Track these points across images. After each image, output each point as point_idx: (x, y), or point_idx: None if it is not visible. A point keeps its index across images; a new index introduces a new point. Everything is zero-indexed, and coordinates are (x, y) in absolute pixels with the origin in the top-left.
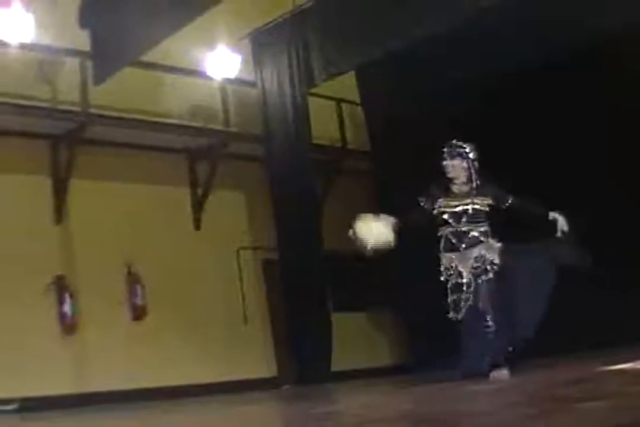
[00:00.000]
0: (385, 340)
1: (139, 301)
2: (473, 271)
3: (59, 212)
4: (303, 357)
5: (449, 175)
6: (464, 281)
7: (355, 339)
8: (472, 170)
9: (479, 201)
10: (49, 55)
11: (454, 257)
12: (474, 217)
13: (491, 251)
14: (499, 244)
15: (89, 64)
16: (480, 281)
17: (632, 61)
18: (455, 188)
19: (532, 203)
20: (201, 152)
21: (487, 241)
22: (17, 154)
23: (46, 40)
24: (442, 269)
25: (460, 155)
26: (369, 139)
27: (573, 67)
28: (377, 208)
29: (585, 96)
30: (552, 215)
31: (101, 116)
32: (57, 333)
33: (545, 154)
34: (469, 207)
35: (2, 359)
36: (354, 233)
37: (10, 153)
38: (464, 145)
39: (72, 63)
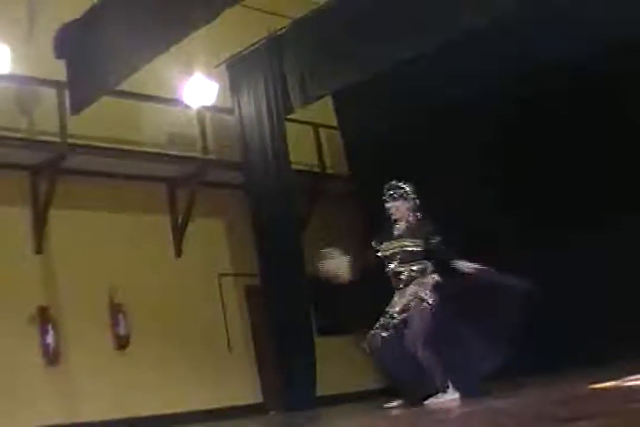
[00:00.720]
0: (371, 363)
1: (122, 330)
2: (405, 307)
3: (40, 242)
4: (288, 383)
5: (394, 217)
6: (394, 318)
7: (340, 362)
8: (412, 211)
9: (409, 243)
10: (26, 85)
11: (395, 297)
12: (408, 258)
13: (423, 287)
14: (434, 280)
15: (66, 93)
16: (409, 316)
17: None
18: (396, 229)
19: (449, 251)
20: (180, 180)
21: (421, 278)
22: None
23: (22, 71)
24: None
25: (402, 196)
26: (347, 163)
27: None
28: (358, 232)
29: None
30: (458, 265)
31: (80, 146)
32: (41, 364)
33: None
34: (399, 249)
35: None
36: (321, 266)
37: None
38: (404, 186)
39: (49, 93)
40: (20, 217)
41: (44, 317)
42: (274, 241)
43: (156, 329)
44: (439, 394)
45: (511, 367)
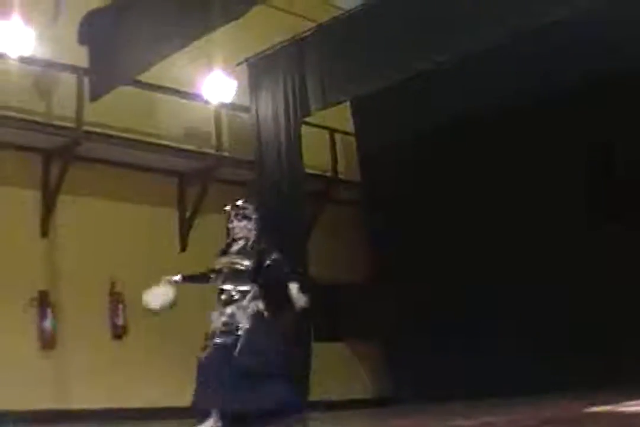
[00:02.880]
0: (363, 371)
1: (120, 320)
2: (222, 328)
3: (46, 226)
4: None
5: (236, 237)
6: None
7: (333, 369)
8: (254, 231)
9: (239, 261)
10: (47, 69)
11: (214, 315)
12: (233, 277)
13: (241, 312)
14: (256, 308)
15: (86, 80)
16: (225, 339)
17: None
18: (235, 245)
19: (285, 271)
20: (192, 175)
21: (242, 301)
22: (9, 166)
23: (44, 54)
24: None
25: (245, 217)
26: (360, 170)
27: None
28: (364, 238)
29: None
30: (292, 291)
31: (95, 133)
32: (37, 348)
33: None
34: (227, 266)
35: None
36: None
37: (3, 165)
38: (248, 207)
39: (69, 78)
40: (30, 199)
41: (44, 302)
42: (278, 242)
43: (154, 321)
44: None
45: (507, 386)
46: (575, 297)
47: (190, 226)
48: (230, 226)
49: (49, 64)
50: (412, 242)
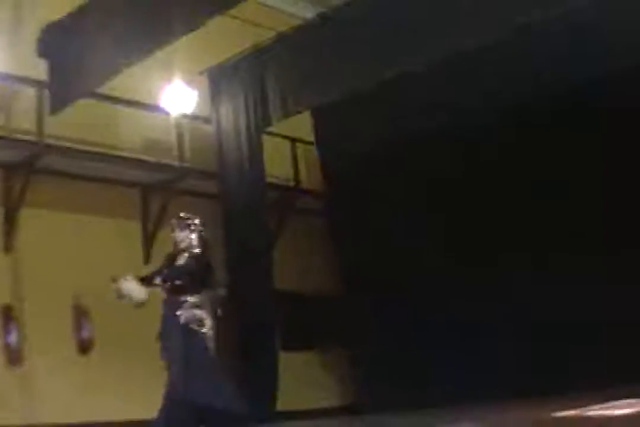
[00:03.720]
0: (332, 380)
1: (85, 333)
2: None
3: (9, 240)
4: (249, 396)
5: (180, 247)
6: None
7: (302, 378)
8: (197, 242)
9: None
10: (6, 82)
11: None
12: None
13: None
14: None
15: (46, 93)
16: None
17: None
18: (179, 259)
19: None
20: (154, 187)
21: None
22: None
23: (3, 68)
24: None
25: (188, 227)
26: (322, 179)
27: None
28: (328, 247)
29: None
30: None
31: (56, 146)
32: (2, 364)
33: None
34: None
35: None
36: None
37: None
38: (192, 218)
39: (29, 92)
40: None
41: (8, 317)
42: (243, 253)
43: (121, 334)
44: None
45: (475, 391)
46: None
47: (153, 238)
48: (173, 235)
49: (7, 77)
50: (376, 250)
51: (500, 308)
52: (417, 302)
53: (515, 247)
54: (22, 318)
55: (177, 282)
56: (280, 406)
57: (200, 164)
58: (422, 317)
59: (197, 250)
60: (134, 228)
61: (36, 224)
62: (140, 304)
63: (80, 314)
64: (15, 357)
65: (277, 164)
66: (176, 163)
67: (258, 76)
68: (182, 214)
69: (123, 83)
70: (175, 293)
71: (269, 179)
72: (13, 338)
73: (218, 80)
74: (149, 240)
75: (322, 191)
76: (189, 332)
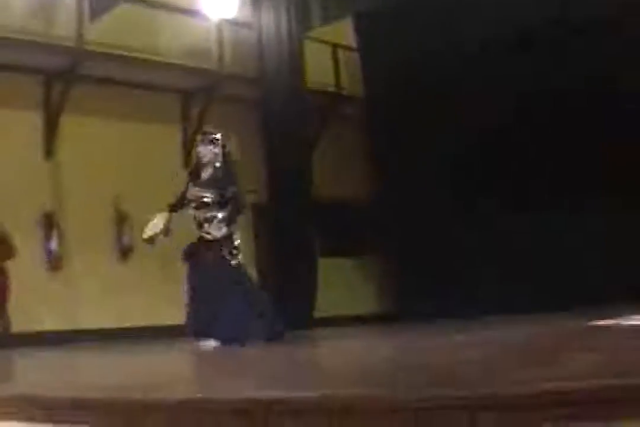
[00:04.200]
0: (371, 287)
1: (125, 240)
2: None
3: (49, 147)
4: (286, 303)
5: (203, 161)
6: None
7: (341, 285)
8: (220, 158)
9: (207, 194)
10: None
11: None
12: (211, 206)
13: (228, 241)
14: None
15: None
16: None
17: None
18: (204, 175)
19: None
20: (195, 92)
21: (223, 231)
22: (10, 88)
23: None
24: None
25: (212, 142)
26: (363, 86)
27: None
28: (368, 155)
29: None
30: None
31: (96, 53)
32: (43, 269)
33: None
34: (197, 197)
35: None
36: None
37: (3, 86)
38: (216, 133)
39: None
40: (32, 122)
41: (49, 223)
42: (283, 159)
43: (161, 241)
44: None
45: (511, 304)
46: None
47: (193, 144)
48: (197, 150)
49: None
50: (415, 158)
51: (532, 224)
52: (454, 209)
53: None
54: (63, 224)
55: (205, 198)
56: (319, 312)
57: (240, 70)
58: (460, 224)
59: (219, 163)
60: (174, 134)
61: (76, 131)
62: (149, 240)
63: (120, 220)
64: (56, 263)
65: (318, 69)
66: (216, 68)
67: None
68: (207, 129)
69: None
70: (203, 208)
71: (310, 85)
72: (54, 244)
73: None
74: (188, 145)
75: (362, 97)
76: (222, 260)
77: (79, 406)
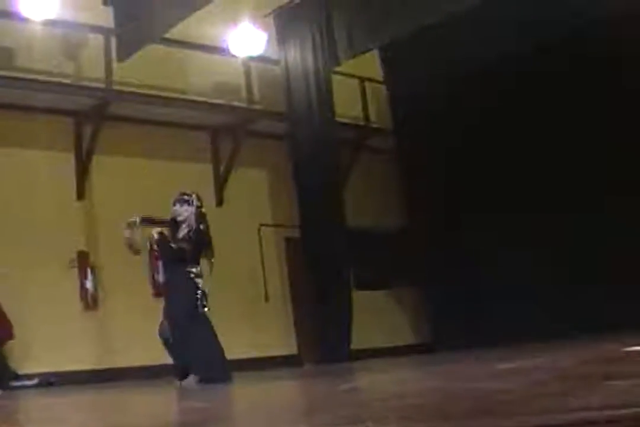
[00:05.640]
0: (406, 319)
1: (161, 277)
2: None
3: (82, 188)
4: (323, 336)
5: (179, 219)
6: None
7: (376, 317)
8: (195, 217)
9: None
10: (74, 31)
11: None
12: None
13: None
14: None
15: (113, 40)
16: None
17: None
18: (180, 231)
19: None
20: (224, 129)
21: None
22: (42, 129)
23: (70, 16)
24: None
25: (186, 202)
26: (391, 118)
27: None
28: (399, 186)
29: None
30: None
31: (125, 93)
32: (79, 308)
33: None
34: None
35: (24, 334)
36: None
37: (35, 129)
38: (192, 195)
39: (97, 40)
40: (64, 163)
41: (84, 262)
42: (315, 193)
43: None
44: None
45: (545, 329)
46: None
47: (225, 181)
48: (173, 209)
49: (74, 26)
50: (447, 188)
51: (567, 249)
52: (490, 238)
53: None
54: (98, 264)
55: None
56: (354, 344)
57: (269, 106)
58: (497, 254)
59: (194, 224)
60: (206, 171)
61: (108, 171)
62: (138, 252)
63: (155, 258)
64: (92, 302)
65: (346, 103)
66: (245, 105)
67: (325, 15)
68: (182, 191)
69: (190, 27)
70: (175, 261)
71: (338, 119)
72: (89, 283)
73: (285, 21)
74: (220, 182)
75: (391, 129)
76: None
77: None
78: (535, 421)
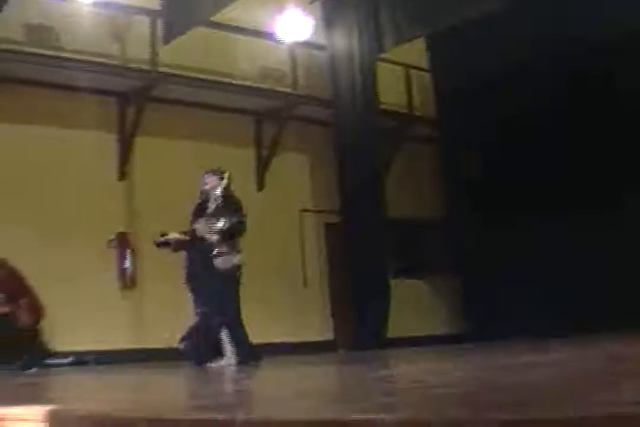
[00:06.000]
0: (442, 308)
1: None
2: None
3: (124, 168)
4: (360, 323)
5: (206, 188)
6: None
7: (412, 306)
8: (222, 189)
9: (214, 223)
10: (121, 13)
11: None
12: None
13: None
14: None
15: (159, 22)
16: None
17: None
18: (208, 208)
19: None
20: (268, 114)
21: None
22: (86, 110)
23: None
24: None
25: (214, 173)
26: (435, 106)
27: None
28: (440, 175)
29: None
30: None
31: (170, 75)
32: (117, 288)
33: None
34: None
35: (62, 312)
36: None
37: (79, 109)
38: (223, 171)
39: (143, 21)
40: (107, 143)
41: (123, 243)
42: (356, 180)
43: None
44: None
45: (582, 322)
46: None
47: (267, 165)
48: (203, 178)
49: (121, 7)
50: (489, 176)
51: (606, 244)
52: (528, 227)
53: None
54: (137, 245)
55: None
56: (390, 332)
57: (313, 91)
58: (535, 242)
59: (219, 196)
60: (248, 156)
61: (150, 152)
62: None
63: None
64: (129, 282)
65: (390, 91)
66: (289, 90)
67: (372, 3)
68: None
69: (237, 11)
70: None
71: (382, 106)
72: (128, 264)
73: (331, 7)
74: (262, 167)
75: (434, 118)
76: (227, 278)
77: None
78: (568, 413)
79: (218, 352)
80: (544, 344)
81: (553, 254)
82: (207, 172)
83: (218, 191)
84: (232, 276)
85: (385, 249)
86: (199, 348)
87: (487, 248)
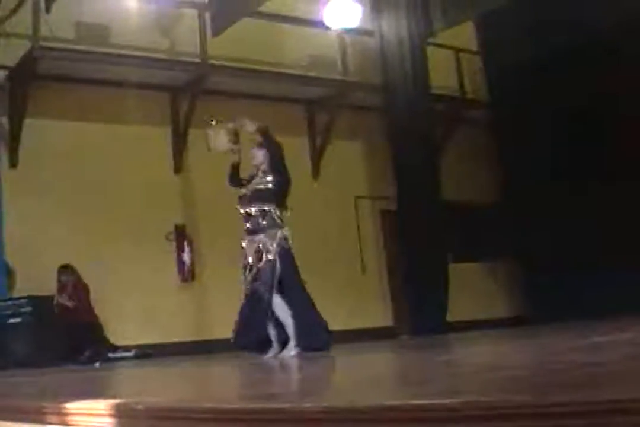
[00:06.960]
0: (501, 291)
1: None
2: (255, 255)
3: (179, 161)
4: (419, 308)
5: (253, 163)
6: (249, 262)
7: (471, 289)
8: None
9: (258, 180)
10: (168, 6)
11: (245, 239)
12: (256, 198)
13: (270, 239)
14: (283, 234)
15: (207, 15)
16: (260, 266)
17: None
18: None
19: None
20: (320, 102)
21: (271, 228)
22: (138, 105)
23: None
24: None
25: (261, 145)
26: (487, 89)
27: None
28: (494, 159)
29: None
30: None
31: (220, 67)
32: (176, 281)
33: None
34: (250, 189)
35: (123, 306)
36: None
37: (131, 104)
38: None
39: (191, 14)
40: (161, 137)
41: (181, 236)
42: (411, 165)
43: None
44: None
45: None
46: None
47: (321, 153)
48: (251, 152)
49: (169, 1)
50: (542, 159)
51: None
52: (585, 208)
53: None
54: (196, 237)
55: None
56: (450, 317)
57: (364, 78)
58: (592, 225)
59: (268, 169)
60: (302, 144)
61: (204, 144)
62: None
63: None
64: (188, 275)
65: (441, 75)
66: (340, 77)
67: None
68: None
69: (284, 1)
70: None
71: (433, 90)
72: (186, 256)
73: None
74: (316, 155)
75: (487, 101)
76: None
77: (223, 417)
78: (627, 395)
79: (278, 337)
80: (606, 324)
81: (615, 234)
82: (253, 148)
83: (267, 168)
84: (286, 251)
85: (441, 233)
86: (250, 336)
87: (543, 229)
